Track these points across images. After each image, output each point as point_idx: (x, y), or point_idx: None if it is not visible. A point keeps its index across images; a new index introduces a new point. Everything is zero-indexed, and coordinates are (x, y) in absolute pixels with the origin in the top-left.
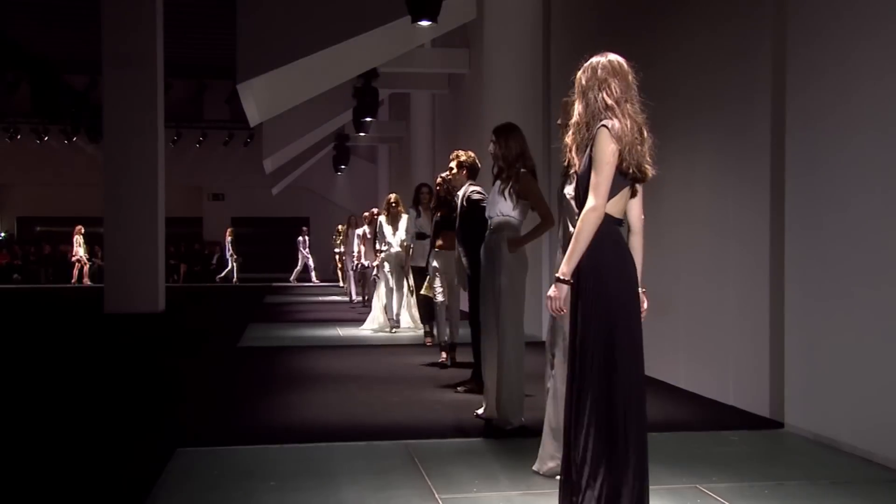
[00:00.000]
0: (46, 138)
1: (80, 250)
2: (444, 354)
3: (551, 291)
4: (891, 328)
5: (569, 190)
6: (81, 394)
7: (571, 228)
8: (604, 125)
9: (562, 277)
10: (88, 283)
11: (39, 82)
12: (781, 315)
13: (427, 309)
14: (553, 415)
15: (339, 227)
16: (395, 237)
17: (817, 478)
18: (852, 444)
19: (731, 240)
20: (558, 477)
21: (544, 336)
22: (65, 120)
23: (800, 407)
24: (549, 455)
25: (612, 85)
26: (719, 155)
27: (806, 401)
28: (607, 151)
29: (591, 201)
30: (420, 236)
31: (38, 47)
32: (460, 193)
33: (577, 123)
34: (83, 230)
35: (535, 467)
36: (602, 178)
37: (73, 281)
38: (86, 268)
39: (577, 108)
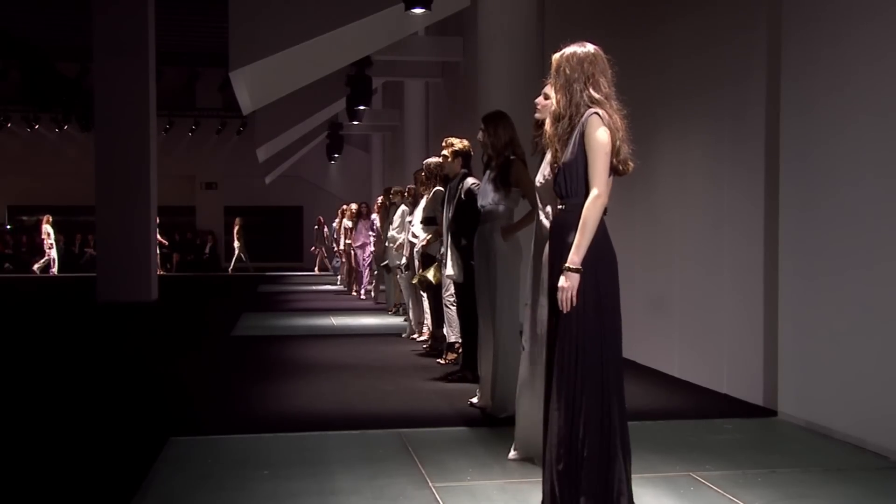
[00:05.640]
0: (37, 126)
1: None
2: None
3: (562, 282)
4: (885, 318)
5: (539, 178)
6: (74, 383)
7: (542, 218)
8: (595, 112)
9: (572, 267)
10: (37, 272)
11: (30, 69)
12: (775, 303)
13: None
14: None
15: (343, 207)
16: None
17: (810, 465)
18: (845, 431)
19: (726, 226)
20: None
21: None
22: (56, 108)
23: (793, 395)
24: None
25: (601, 81)
26: (713, 140)
27: (799, 389)
28: (604, 138)
29: (595, 190)
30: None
31: (28, 34)
32: (456, 184)
33: (557, 114)
34: (51, 219)
35: (511, 455)
36: (602, 165)
37: (50, 271)
38: (42, 260)
39: (557, 97)
